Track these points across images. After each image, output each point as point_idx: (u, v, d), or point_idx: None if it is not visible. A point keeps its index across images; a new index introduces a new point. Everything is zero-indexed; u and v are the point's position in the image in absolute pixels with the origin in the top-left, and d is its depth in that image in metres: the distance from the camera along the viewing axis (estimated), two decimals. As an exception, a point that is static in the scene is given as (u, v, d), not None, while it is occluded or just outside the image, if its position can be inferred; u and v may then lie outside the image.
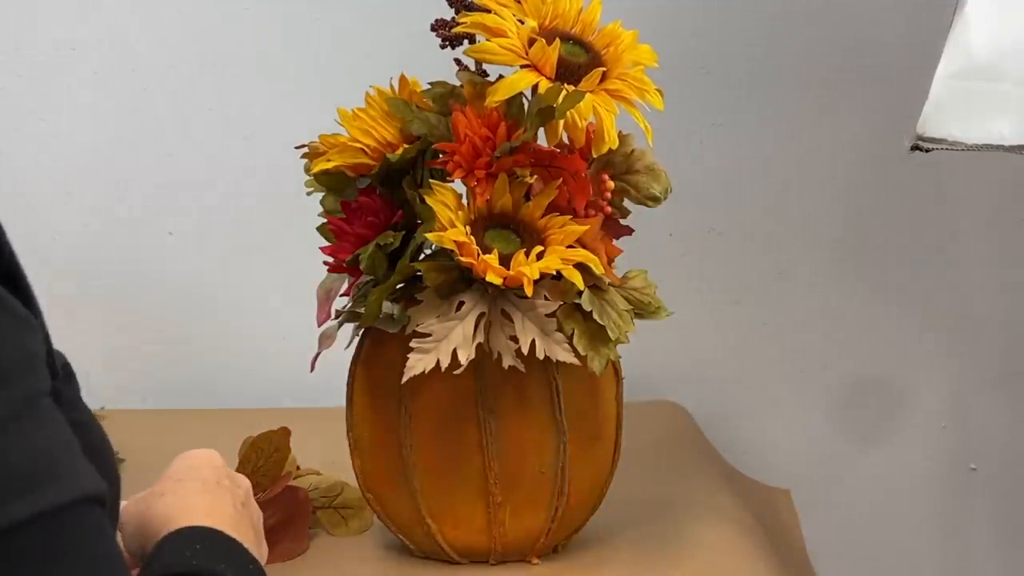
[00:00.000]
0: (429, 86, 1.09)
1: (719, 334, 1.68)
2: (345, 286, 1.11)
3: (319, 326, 1.11)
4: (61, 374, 0.77)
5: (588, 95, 1.02)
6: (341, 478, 1.20)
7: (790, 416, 1.70)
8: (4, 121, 1.59)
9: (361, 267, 1.05)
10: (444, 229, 1.00)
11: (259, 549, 0.87)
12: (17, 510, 0.60)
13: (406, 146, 1.06)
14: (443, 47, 1.08)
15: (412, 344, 1.02)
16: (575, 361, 1.03)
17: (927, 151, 1.09)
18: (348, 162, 1.07)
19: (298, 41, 1.60)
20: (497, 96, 1.01)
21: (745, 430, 1.69)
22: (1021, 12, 1.08)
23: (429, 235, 1.01)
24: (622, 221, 1.11)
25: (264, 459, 1.14)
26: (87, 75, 1.59)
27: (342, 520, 1.21)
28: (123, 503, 0.86)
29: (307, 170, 1.10)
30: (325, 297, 1.12)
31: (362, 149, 1.07)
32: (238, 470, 1.05)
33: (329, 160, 1.07)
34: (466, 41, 1.07)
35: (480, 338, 1.02)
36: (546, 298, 1.03)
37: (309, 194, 1.12)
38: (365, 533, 1.20)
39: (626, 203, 1.11)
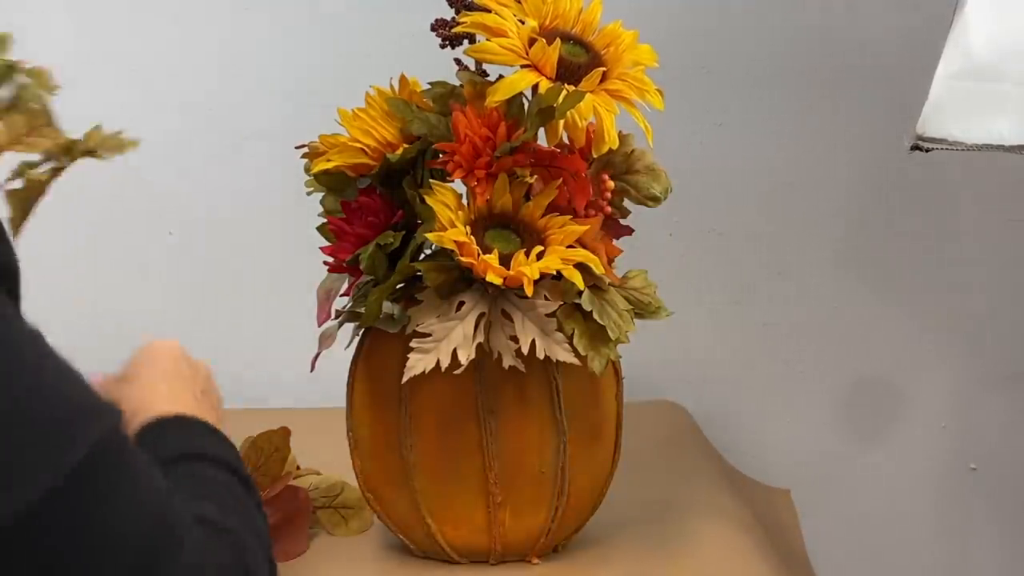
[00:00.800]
0: (429, 86, 1.08)
1: (719, 334, 1.68)
2: (345, 286, 1.11)
3: (319, 326, 1.11)
4: None
5: (588, 95, 1.02)
6: (341, 478, 1.20)
7: (790, 416, 1.70)
8: (4, 121, 1.59)
9: (361, 267, 1.05)
10: (444, 229, 1.00)
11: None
12: (91, 434, 0.63)
13: (406, 146, 1.06)
14: (443, 47, 1.08)
15: (412, 344, 1.02)
16: (575, 361, 1.03)
17: (927, 151, 1.09)
18: (348, 162, 1.07)
19: (298, 41, 1.60)
20: (497, 96, 1.01)
21: (745, 430, 1.69)
22: (1021, 12, 1.08)
23: (429, 235, 1.01)
24: (622, 221, 1.11)
25: (264, 459, 1.14)
26: (87, 75, 1.59)
27: (342, 520, 1.21)
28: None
29: (307, 170, 1.10)
30: (325, 297, 1.12)
31: (362, 149, 1.07)
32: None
33: (329, 160, 1.07)
34: (466, 41, 1.07)
35: (480, 338, 1.02)
36: (546, 298, 1.03)
37: (309, 194, 1.12)
38: (365, 533, 1.20)
39: (626, 203, 1.11)
